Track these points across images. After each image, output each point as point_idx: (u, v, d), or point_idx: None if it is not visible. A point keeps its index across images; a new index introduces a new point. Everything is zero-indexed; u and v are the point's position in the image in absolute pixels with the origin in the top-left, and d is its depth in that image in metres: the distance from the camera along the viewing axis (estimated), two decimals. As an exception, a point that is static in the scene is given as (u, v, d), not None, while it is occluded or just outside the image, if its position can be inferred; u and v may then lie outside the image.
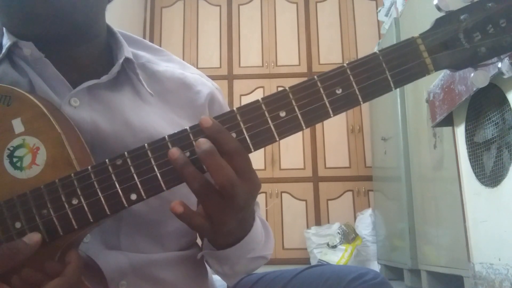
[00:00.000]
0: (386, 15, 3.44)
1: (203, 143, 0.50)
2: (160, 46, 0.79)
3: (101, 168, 0.52)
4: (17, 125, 0.55)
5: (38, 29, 0.62)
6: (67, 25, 0.63)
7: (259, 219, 0.68)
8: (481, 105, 1.31)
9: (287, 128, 0.53)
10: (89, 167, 0.53)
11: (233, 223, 0.54)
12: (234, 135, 0.52)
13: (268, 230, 0.73)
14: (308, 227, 3.81)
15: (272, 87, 4.10)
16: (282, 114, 0.53)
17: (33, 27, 0.62)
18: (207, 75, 0.80)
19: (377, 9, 3.81)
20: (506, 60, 0.54)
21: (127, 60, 0.68)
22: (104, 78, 0.65)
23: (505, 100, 1.18)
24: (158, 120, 0.68)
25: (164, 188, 0.52)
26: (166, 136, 0.53)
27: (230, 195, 0.50)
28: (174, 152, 0.51)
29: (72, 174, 0.53)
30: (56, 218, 0.52)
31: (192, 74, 0.76)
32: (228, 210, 0.52)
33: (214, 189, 0.50)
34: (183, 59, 0.79)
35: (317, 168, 3.98)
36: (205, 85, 0.75)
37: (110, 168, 0.52)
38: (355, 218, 3.78)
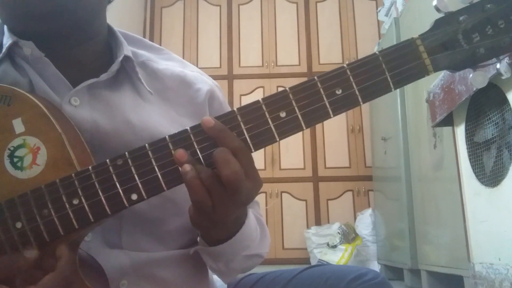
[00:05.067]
0: (386, 15, 3.44)
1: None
2: (160, 46, 0.79)
3: (102, 169, 0.53)
4: (18, 125, 0.55)
5: (40, 27, 0.62)
6: (69, 23, 0.63)
7: (254, 217, 0.68)
8: (481, 105, 1.31)
9: (288, 128, 0.54)
10: (90, 167, 0.53)
11: (232, 218, 0.56)
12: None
13: (264, 228, 0.73)
14: (308, 227, 3.82)
15: (272, 87, 4.10)
16: (283, 114, 0.53)
17: (35, 25, 0.62)
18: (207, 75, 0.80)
19: (377, 9, 3.82)
20: (505, 61, 0.55)
21: (126, 58, 0.68)
22: (103, 77, 0.65)
23: (505, 100, 1.18)
24: (159, 118, 0.68)
25: (165, 188, 0.53)
26: (167, 137, 0.53)
27: (234, 190, 0.51)
28: (183, 154, 0.51)
29: (73, 174, 0.53)
30: (57, 218, 0.52)
31: (192, 72, 0.76)
32: (230, 204, 0.53)
33: (220, 182, 0.51)
34: (183, 59, 0.80)
35: (317, 168, 3.98)
36: (205, 83, 0.75)
37: (111, 168, 0.53)
38: (355, 218, 3.78)
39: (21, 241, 0.53)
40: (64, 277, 0.51)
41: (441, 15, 0.56)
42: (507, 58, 0.55)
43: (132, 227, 0.64)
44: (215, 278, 0.74)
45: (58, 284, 0.50)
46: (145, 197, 0.53)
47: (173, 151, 0.53)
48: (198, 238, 0.69)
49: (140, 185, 0.52)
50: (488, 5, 0.54)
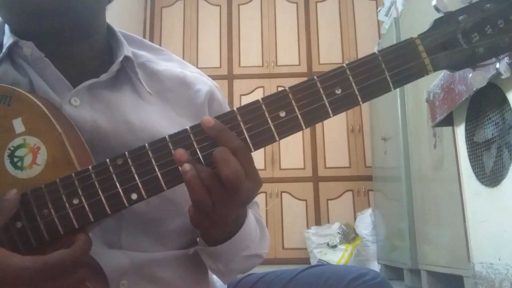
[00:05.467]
0: (386, 15, 3.44)
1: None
2: (160, 46, 0.79)
3: (102, 168, 0.53)
4: (18, 125, 0.55)
5: (40, 25, 0.62)
6: (69, 22, 0.63)
7: (253, 217, 0.68)
8: (481, 105, 1.31)
9: (287, 128, 0.54)
10: (90, 167, 0.53)
11: (231, 217, 0.56)
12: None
13: (263, 228, 0.73)
14: (308, 227, 3.82)
15: (272, 87, 4.10)
16: (282, 114, 0.54)
17: (35, 23, 0.62)
18: (207, 75, 0.80)
19: (377, 9, 3.82)
20: (505, 61, 0.55)
21: (126, 59, 0.68)
22: (104, 77, 0.66)
23: (505, 100, 1.18)
24: (158, 119, 0.68)
25: (165, 188, 0.53)
26: (167, 136, 0.53)
27: (234, 189, 0.51)
28: (183, 153, 0.51)
29: (73, 174, 0.53)
30: (57, 218, 0.52)
31: (191, 73, 0.76)
32: (230, 203, 0.53)
33: (220, 181, 0.52)
34: (183, 59, 0.80)
35: (317, 168, 3.98)
36: (204, 84, 0.75)
37: (111, 168, 0.53)
38: (355, 218, 3.78)
39: (21, 240, 0.53)
40: (74, 257, 0.50)
41: (441, 14, 0.56)
42: (507, 57, 0.56)
43: (131, 227, 0.64)
44: (215, 278, 0.74)
45: (66, 260, 0.49)
46: (145, 197, 0.53)
47: (173, 151, 0.53)
48: (198, 238, 0.69)
49: (140, 185, 0.53)
50: (488, 5, 0.54)
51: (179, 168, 0.52)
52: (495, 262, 1.22)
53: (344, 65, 0.54)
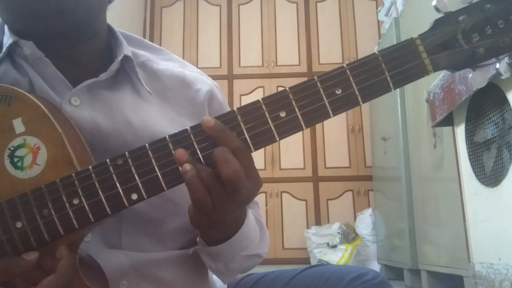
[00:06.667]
0: (386, 15, 3.44)
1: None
2: (160, 46, 0.79)
3: (102, 168, 0.53)
4: (18, 125, 0.55)
5: (41, 26, 0.62)
6: (69, 23, 0.63)
7: (253, 217, 0.68)
8: (481, 105, 1.31)
9: (287, 128, 0.54)
10: (90, 167, 0.53)
11: (231, 217, 0.57)
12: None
13: (263, 228, 0.73)
14: (308, 227, 3.82)
15: (272, 87, 4.10)
16: (282, 114, 0.54)
17: (36, 24, 0.62)
18: (207, 75, 0.80)
19: (377, 9, 3.82)
20: (504, 61, 0.55)
21: (126, 58, 0.68)
22: (103, 76, 0.65)
23: (505, 100, 1.18)
24: (158, 118, 0.68)
25: (165, 188, 0.53)
26: (167, 137, 0.53)
27: (234, 189, 0.52)
28: (183, 153, 0.52)
29: (73, 174, 0.53)
30: (57, 218, 0.52)
31: (191, 73, 0.76)
32: (230, 203, 0.53)
33: (220, 181, 0.52)
34: (183, 59, 0.80)
35: (317, 168, 3.98)
36: (204, 83, 0.75)
37: (111, 168, 0.53)
38: (355, 218, 3.78)
39: (21, 240, 0.53)
40: (64, 279, 0.51)
41: (441, 15, 0.56)
42: (507, 58, 0.56)
43: (132, 227, 0.64)
44: (215, 278, 0.74)
45: (59, 285, 0.51)
46: (145, 197, 0.53)
47: (173, 151, 0.53)
48: (198, 238, 0.69)
49: (140, 185, 0.53)
50: (488, 5, 0.54)
51: (179, 168, 0.52)
52: (495, 262, 1.22)
53: (344, 65, 0.54)
